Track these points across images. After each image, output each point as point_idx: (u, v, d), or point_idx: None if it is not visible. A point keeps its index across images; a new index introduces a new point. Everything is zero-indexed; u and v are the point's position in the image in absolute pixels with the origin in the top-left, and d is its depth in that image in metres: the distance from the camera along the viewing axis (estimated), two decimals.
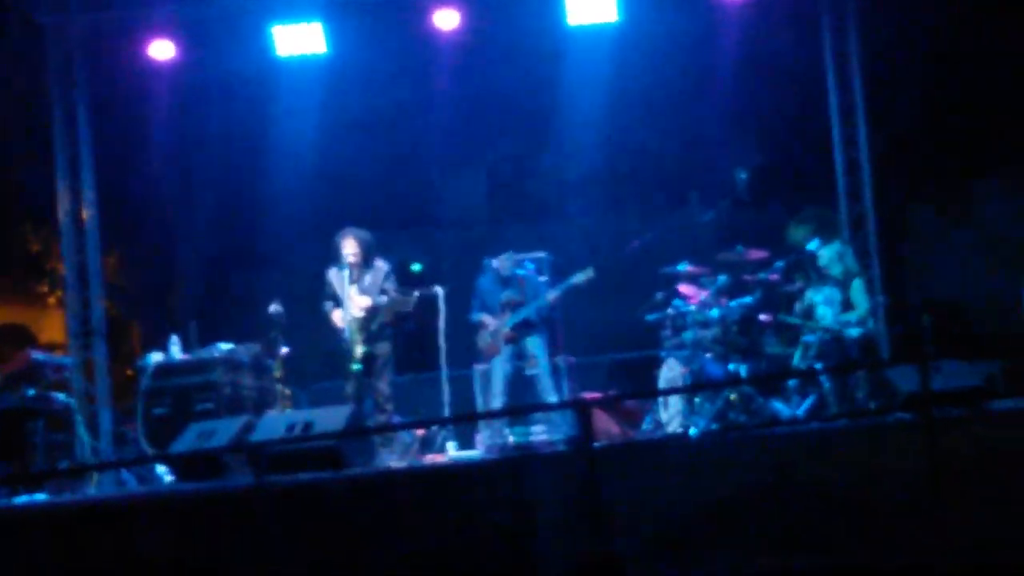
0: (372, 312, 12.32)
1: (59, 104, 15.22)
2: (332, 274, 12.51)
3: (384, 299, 12.34)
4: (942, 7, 14.97)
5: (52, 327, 27.62)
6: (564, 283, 13.23)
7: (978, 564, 8.28)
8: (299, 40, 15.00)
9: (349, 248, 12.43)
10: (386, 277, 12.47)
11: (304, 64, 15.32)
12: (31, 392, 12.77)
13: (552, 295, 13.29)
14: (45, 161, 15.71)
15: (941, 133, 16.06)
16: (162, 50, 15.27)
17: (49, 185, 15.46)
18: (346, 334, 12.32)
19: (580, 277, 13.10)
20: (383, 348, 12.44)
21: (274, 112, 16.62)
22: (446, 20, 15.02)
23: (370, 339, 12.35)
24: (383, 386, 12.39)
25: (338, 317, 12.36)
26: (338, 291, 12.44)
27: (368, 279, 12.42)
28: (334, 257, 12.50)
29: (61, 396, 13.37)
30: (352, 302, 12.32)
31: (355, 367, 12.26)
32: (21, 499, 11.21)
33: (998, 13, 14.70)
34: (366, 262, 12.46)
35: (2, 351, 15.45)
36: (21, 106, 17.48)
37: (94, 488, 12.60)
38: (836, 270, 12.66)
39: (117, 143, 16.13)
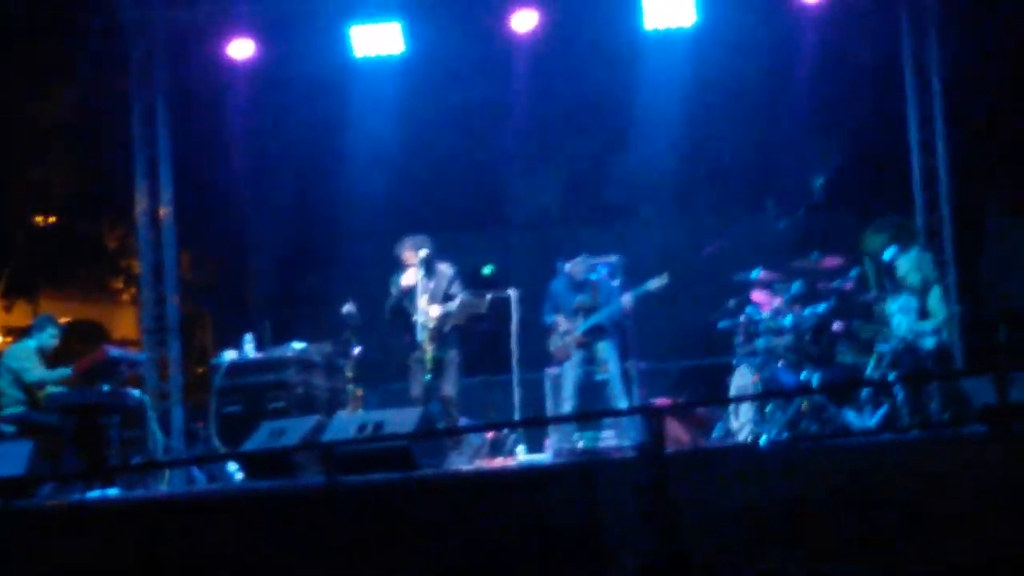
0: (443, 318, 12.40)
1: (138, 102, 15.36)
2: (401, 279, 12.60)
3: (454, 305, 12.40)
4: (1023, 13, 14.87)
5: (125, 323, 27.97)
6: (638, 289, 13.20)
7: None
8: (377, 40, 15.09)
9: (410, 258, 12.51)
10: (451, 281, 12.52)
11: (381, 64, 15.39)
12: (107, 388, 12.88)
13: (626, 301, 13.26)
14: (123, 159, 15.88)
15: (1020, 140, 15.95)
16: (241, 49, 15.41)
17: (127, 183, 15.62)
18: (418, 338, 12.40)
19: (655, 283, 13.08)
20: (451, 353, 12.50)
21: (349, 112, 16.72)
22: (524, 21, 15.07)
23: (441, 345, 12.42)
24: (450, 390, 12.45)
25: (417, 317, 12.42)
26: (403, 300, 12.53)
27: (433, 285, 12.49)
28: (399, 265, 12.60)
29: (136, 392, 13.48)
30: (423, 311, 12.41)
31: (426, 377, 12.35)
32: (94, 493, 11.32)
33: None
34: (428, 269, 12.52)
35: (76, 347, 15.62)
36: (100, 103, 17.71)
37: (165, 485, 12.73)
38: (914, 279, 12.56)
39: (194, 141, 16.27)
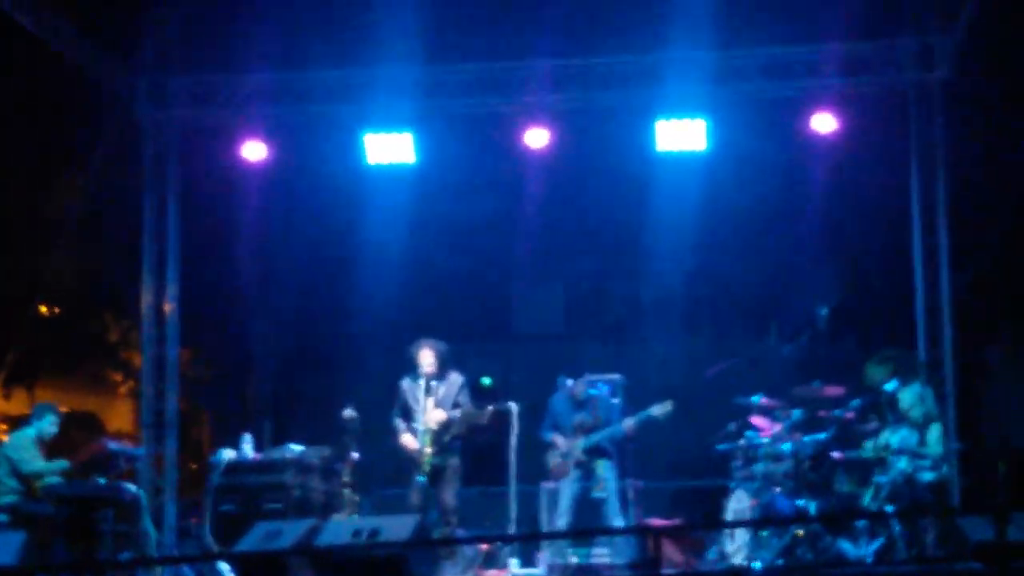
0: (446, 425, 12.44)
1: (149, 199, 15.49)
2: (405, 384, 12.61)
3: (458, 413, 12.44)
4: None
5: (121, 416, 27.91)
6: (642, 414, 13.13)
7: None
8: (389, 149, 15.21)
9: (426, 359, 12.54)
10: (460, 390, 12.57)
11: (392, 172, 15.52)
12: (103, 481, 12.93)
13: (627, 424, 13.23)
14: (130, 252, 15.97)
15: (1021, 280, 16.06)
16: (255, 151, 15.57)
17: (132, 276, 15.69)
18: (417, 444, 12.43)
19: (658, 410, 13.04)
20: (452, 461, 12.51)
21: (358, 218, 16.86)
22: (536, 138, 15.22)
23: (441, 451, 12.42)
24: (449, 498, 12.43)
25: (408, 440, 12.41)
26: (410, 402, 12.53)
27: (443, 391, 12.53)
28: (409, 367, 12.64)
29: (131, 487, 13.50)
30: (427, 415, 12.44)
31: (420, 479, 12.37)
32: None
33: None
34: (441, 374, 12.58)
35: (73, 439, 15.59)
36: (110, 196, 17.82)
37: None
38: (916, 412, 12.61)
39: (202, 239, 16.37)
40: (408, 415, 12.51)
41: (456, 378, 12.60)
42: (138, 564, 12.82)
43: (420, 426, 12.42)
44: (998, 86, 14.35)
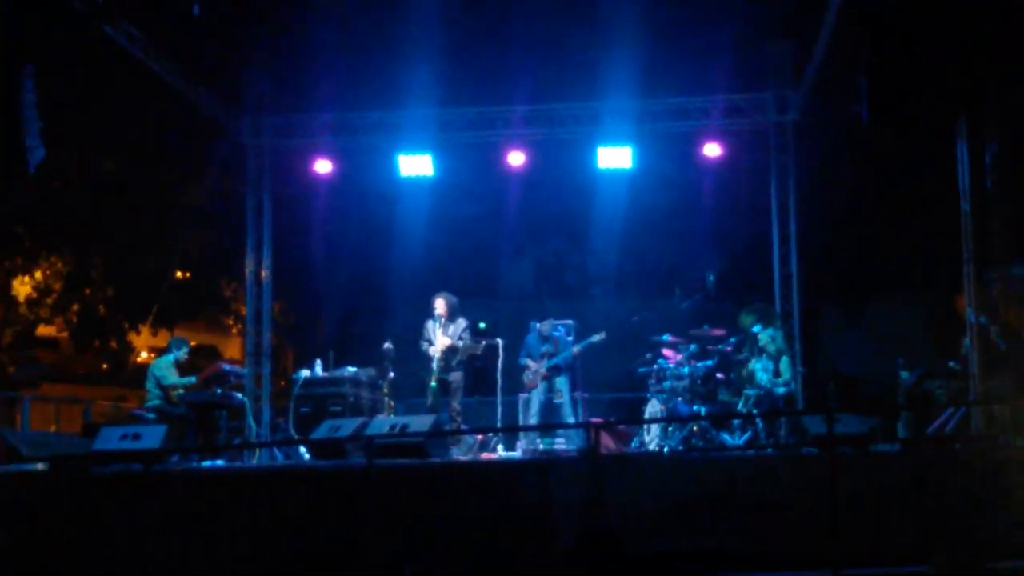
0: (451, 351, 12.42)
1: (251, 199, 15.43)
2: (428, 324, 12.62)
3: (460, 343, 12.45)
4: (859, 176, 15.04)
5: (232, 349, 27.94)
6: (585, 341, 13.24)
7: (863, 552, 8.26)
8: (416, 165, 15.16)
9: (440, 306, 12.56)
10: (464, 329, 12.57)
11: (417, 182, 15.43)
12: (219, 391, 12.92)
13: (576, 349, 13.30)
14: (238, 235, 15.92)
15: (848, 259, 16.08)
16: (323, 166, 15.52)
17: (240, 252, 15.65)
18: (432, 364, 12.42)
19: (596, 338, 13.11)
20: (456, 377, 12.51)
21: (394, 213, 16.77)
22: (515, 159, 15.18)
23: (447, 369, 12.43)
24: (455, 403, 12.45)
25: (432, 350, 12.44)
26: (431, 335, 12.55)
27: (452, 329, 12.53)
28: (430, 312, 12.63)
29: (239, 395, 13.50)
30: (438, 342, 12.44)
31: (432, 385, 12.35)
32: (207, 463, 11.35)
33: (899, 183, 14.79)
34: (451, 317, 12.56)
35: (200, 363, 15.59)
36: (225, 198, 17.74)
37: (256, 460, 12.72)
38: (771, 348, 12.67)
39: (287, 227, 16.33)
40: (430, 344, 12.52)
41: (462, 322, 12.59)
42: (244, 448, 12.86)
43: (435, 352, 12.41)
44: (832, 125, 14.34)
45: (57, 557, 8.89)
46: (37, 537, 9.00)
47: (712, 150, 14.94)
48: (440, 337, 12.45)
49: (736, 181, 15.59)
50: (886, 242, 15.62)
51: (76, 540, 8.94)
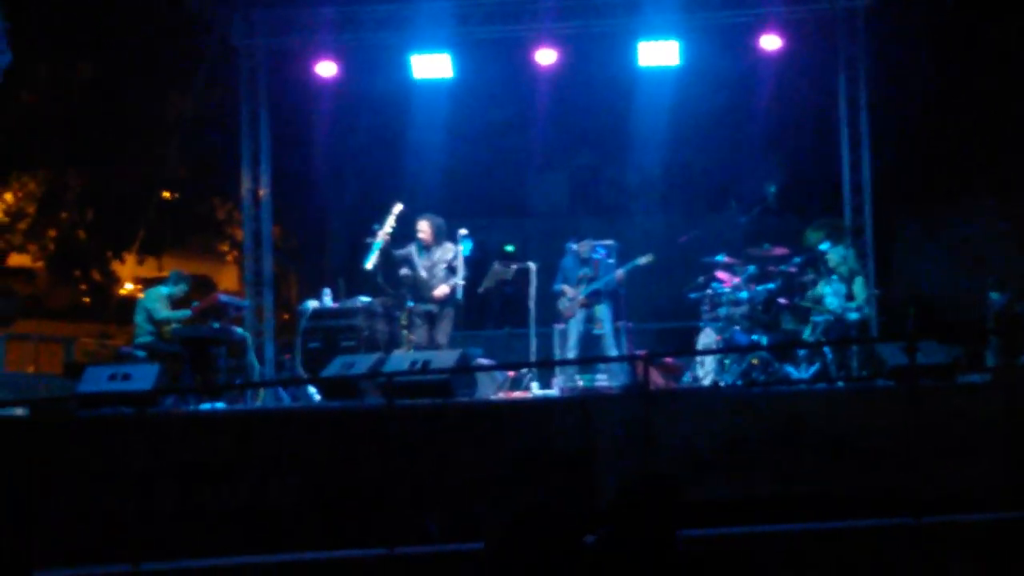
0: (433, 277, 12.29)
1: (245, 108, 15.45)
2: (412, 249, 12.42)
3: (457, 280, 12.22)
4: (940, 71, 14.85)
5: (228, 279, 28.05)
6: (630, 263, 13.14)
7: (944, 495, 8.25)
8: (431, 67, 15.12)
9: (424, 229, 12.33)
10: (454, 257, 12.23)
11: (433, 86, 15.43)
12: (216, 325, 12.96)
13: (619, 272, 13.21)
14: (232, 149, 15.91)
15: (927, 165, 15.94)
16: (326, 69, 15.47)
17: (234, 168, 15.66)
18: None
19: (642, 260, 13.01)
20: (448, 312, 12.31)
21: (407, 121, 16.69)
22: (545, 57, 15.11)
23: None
24: (442, 339, 12.27)
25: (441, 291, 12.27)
26: (415, 261, 12.36)
27: (437, 253, 12.31)
28: (412, 235, 12.43)
29: (239, 330, 13.55)
30: (421, 272, 12.29)
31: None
32: (205, 406, 11.39)
33: (980, 78, 14.61)
34: (437, 241, 12.32)
35: (193, 295, 15.67)
36: (216, 106, 17.71)
37: (259, 402, 12.77)
38: (842, 268, 12.59)
39: (287, 139, 16.32)
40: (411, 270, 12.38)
41: (449, 246, 12.32)
42: (246, 388, 12.93)
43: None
44: (909, 11, 14.15)
45: (40, 510, 8.98)
46: (17, 489, 9.09)
47: (771, 43, 14.80)
48: (423, 265, 12.35)
49: (798, 78, 15.47)
50: (972, 145, 15.49)
51: (61, 492, 9.03)
